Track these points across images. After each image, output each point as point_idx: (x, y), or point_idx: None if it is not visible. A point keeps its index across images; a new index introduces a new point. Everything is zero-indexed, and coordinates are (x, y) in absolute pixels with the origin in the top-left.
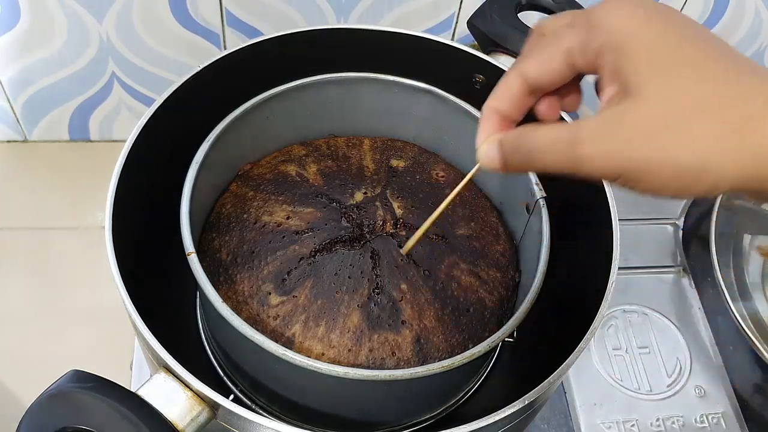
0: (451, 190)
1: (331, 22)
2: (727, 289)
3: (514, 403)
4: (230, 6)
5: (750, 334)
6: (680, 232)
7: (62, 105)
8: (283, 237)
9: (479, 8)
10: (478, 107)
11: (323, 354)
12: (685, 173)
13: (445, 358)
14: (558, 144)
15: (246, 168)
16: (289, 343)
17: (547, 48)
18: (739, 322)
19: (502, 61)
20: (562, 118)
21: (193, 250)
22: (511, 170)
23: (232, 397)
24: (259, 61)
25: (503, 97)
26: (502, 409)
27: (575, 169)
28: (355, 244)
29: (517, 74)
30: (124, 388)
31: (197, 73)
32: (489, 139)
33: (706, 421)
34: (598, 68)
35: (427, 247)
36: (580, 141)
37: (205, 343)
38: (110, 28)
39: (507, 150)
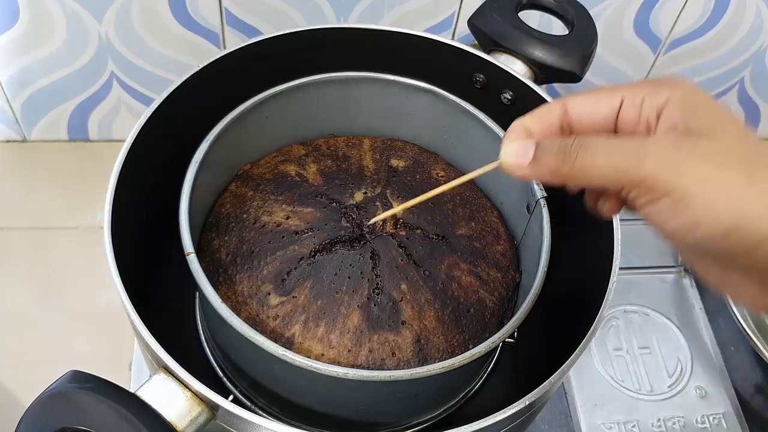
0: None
1: (331, 21)
2: None
3: (515, 404)
4: (230, 5)
5: (751, 335)
6: None
7: (61, 105)
8: (283, 237)
9: (479, 8)
10: (479, 107)
11: (323, 354)
12: (750, 212)
13: (445, 359)
14: (620, 142)
15: (245, 168)
16: (288, 344)
17: (602, 92)
18: (740, 322)
19: (502, 60)
20: None
21: (193, 251)
22: (538, 172)
23: (231, 397)
24: (258, 60)
25: (539, 120)
26: (503, 410)
27: (633, 165)
28: (354, 244)
29: (560, 103)
30: (123, 388)
31: (196, 72)
32: (521, 140)
33: (707, 421)
34: (656, 119)
35: (427, 247)
36: (648, 142)
37: (205, 344)
38: (109, 28)
39: (546, 150)
